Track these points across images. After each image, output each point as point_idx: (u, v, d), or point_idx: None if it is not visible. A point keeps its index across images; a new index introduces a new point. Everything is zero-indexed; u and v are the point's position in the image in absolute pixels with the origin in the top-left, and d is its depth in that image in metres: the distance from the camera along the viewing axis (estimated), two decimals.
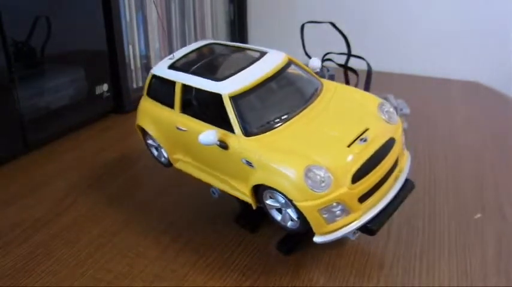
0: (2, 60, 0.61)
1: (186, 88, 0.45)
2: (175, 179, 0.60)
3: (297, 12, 1.18)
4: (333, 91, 0.45)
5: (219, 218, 0.51)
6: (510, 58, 1.03)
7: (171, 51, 0.97)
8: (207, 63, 0.47)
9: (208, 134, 0.41)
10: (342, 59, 0.57)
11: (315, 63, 0.47)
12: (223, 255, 0.45)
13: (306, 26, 0.62)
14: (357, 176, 0.38)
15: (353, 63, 0.56)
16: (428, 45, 1.09)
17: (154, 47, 0.92)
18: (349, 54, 0.57)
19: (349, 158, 0.38)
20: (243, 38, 1.21)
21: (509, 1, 1.01)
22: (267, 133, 0.41)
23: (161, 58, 0.94)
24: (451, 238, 0.48)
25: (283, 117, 0.41)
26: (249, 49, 0.48)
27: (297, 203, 0.37)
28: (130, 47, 0.86)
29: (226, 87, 0.42)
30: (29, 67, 0.66)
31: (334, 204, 0.37)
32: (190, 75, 0.45)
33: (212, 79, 0.43)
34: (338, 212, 0.38)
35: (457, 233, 0.49)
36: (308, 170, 0.37)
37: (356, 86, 0.56)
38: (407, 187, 0.42)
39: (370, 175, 0.38)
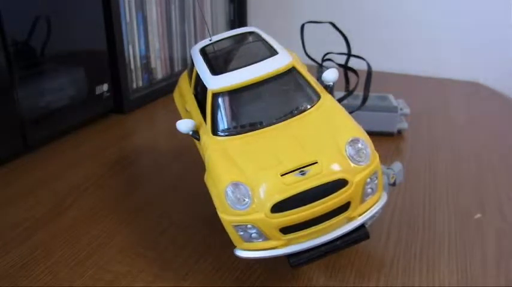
0: (2, 60, 0.61)
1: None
2: (175, 179, 0.60)
3: (297, 12, 1.18)
4: (319, 110, 0.41)
5: (219, 218, 0.50)
6: (510, 58, 1.03)
7: (171, 51, 0.97)
8: (227, 52, 0.47)
9: (186, 122, 0.41)
10: (342, 59, 0.57)
11: (329, 76, 0.43)
12: (223, 255, 0.45)
13: (306, 26, 0.62)
14: (278, 207, 0.35)
15: (353, 63, 0.56)
16: (428, 45, 1.09)
17: (154, 47, 0.92)
18: (349, 54, 0.57)
19: (277, 187, 0.35)
20: None
21: (509, 1, 1.01)
22: (227, 137, 0.40)
23: (161, 58, 0.95)
24: (451, 238, 0.48)
25: (249, 127, 0.40)
26: (270, 46, 0.45)
27: (218, 212, 0.37)
28: (130, 47, 0.86)
29: (214, 83, 0.41)
30: (29, 67, 0.66)
31: (249, 226, 0.36)
32: (204, 61, 0.45)
33: (211, 71, 0.43)
34: (254, 235, 0.36)
35: (457, 233, 0.49)
36: (232, 185, 0.36)
37: (356, 86, 0.56)
38: (359, 234, 0.38)
39: (297, 210, 0.35)
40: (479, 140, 0.72)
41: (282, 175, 0.35)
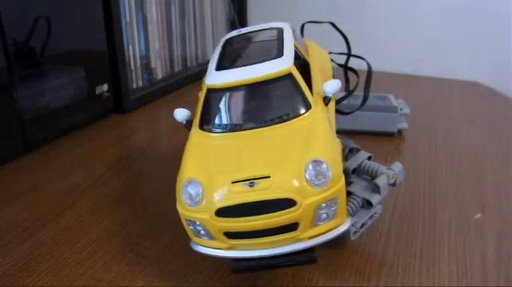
0: (2, 60, 0.61)
1: None
2: (175, 179, 0.60)
3: (297, 12, 1.18)
4: (302, 122, 0.39)
5: None
6: (510, 58, 1.03)
7: (171, 51, 0.97)
8: (242, 47, 0.47)
9: (183, 111, 0.43)
10: (342, 59, 0.57)
11: (329, 87, 0.41)
12: None
13: (306, 26, 0.62)
14: (222, 213, 0.35)
15: (353, 63, 0.56)
16: (428, 45, 1.09)
17: (154, 47, 0.92)
18: (349, 54, 0.57)
19: (224, 193, 0.35)
20: None
21: (509, 1, 1.01)
22: (209, 134, 0.40)
23: (161, 58, 0.95)
24: (451, 238, 0.48)
25: (229, 127, 0.40)
26: (281, 46, 0.44)
27: (176, 203, 0.38)
28: (130, 47, 0.86)
29: (211, 78, 0.42)
30: (29, 67, 0.66)
31: (197, 223, 0.37)
32: (218, 53, 0.46)
33: (217, 65, 0.44)
34: (202, 232, 0.37)
35: (457, 233, 0.49)
36: (189, 181, 0.37)
37: (356, 86, 0.56)
38: (305, 257, 0.37)
39: (239, 219, 0.35)
40: (479, 140, 0.72)
41: (232, 182, 0.35)
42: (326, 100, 0.41)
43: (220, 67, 0.43)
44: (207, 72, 0.44)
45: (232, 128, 0.40)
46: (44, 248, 0.47)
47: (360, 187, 0.47)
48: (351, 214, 0.45)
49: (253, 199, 0.34)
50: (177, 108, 0.44)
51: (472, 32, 1.05)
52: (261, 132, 0.39)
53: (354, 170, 0.48)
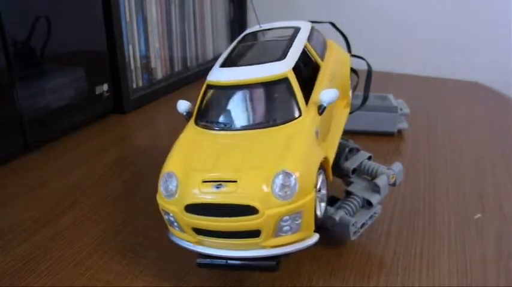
0: (2, 60, 0.61)
1: None
2: None
3: (297, 12, 1.18)
4: (287, 130, 0.39)
5: None
6: (510, 58, 1.03)
7: (171, 51, 0.97)
8: (252, 45, 0.48)
9: (185, 103, 0.44)
10: None
11: (324, 96, 0.40)
12: None
13: None
14: (190, 209, 0.36)
15: (353, 63, 0.56)
16: (428, 45, 1.09)
17: (154, 47, 0.92)
18: (349, 54, 0.57)
19: (194, 190, 0.36)
20: None
21: (509, 1, 1.01)
22: (201, 129, 0.41)
23: (161, 58, 0.95)
24: (451, 238, 0.48)
25: (219, 126, 0.40)
26: (287, 48, 0.44)
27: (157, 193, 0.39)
28: (130, 47, 0.86)
29: (212, 74, 0.43)
30: (29, 67, 0.66)
31: (171, 214, 0.38)
32: (230, 49, 0.47)
33: (223, 62, 0.44)
34: (174, 223, 0.38)
35: (457, 233, 0.49)
36: (167, 174, 0.38)
37: (356, 86, 0.56)
38: (266, 265, 0.37)
39: (204, 218, 0.36)
40: (479, 140, 0.72)
41: (203, 181, 0.36)
42: (320, 109, 0.41)
43: (225, 64, 0.44)
44: (213, 66, 0.44)
45: (223, 127, 0.40)
46: (44, 248, 0.47)
47: (360, 187, 0.47)
48: (351, 214, 0.45)
49: (216, 201, 0.35)
50: (180, 100, 0.45)
51: (472, 32, 1.05)
52: (247, 135, 0.39)
53: (354, 170, 0.48)
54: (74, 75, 0.74)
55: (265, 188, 0.35)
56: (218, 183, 0.35)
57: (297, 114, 0.39)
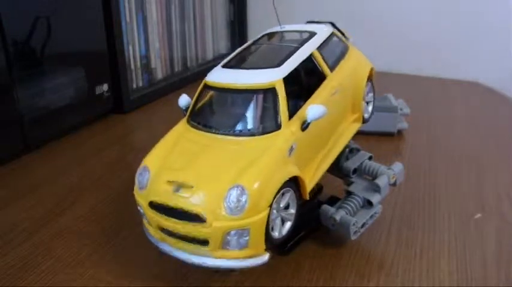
0: (2, 60, 0.61)
1: None
2: None
3: (297, 12, 1.18)
4: (259, 143, 0.38)
5: None
6: (510, 58, 1.03)
7: (171, 51, 0.97)
8: (260, 47, 0.48)
9: (187, 98, 0.45)
10: None
11: (310, 111, 0.39)
12: None
13: None
14: (152, 206, 0.38)
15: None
16: (428, 45, 1.09)
17: (154, 47, 0.92)
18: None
19: (157, 188, 0.37)
20: (243, 38, 1.21)
21: (509, 1, 1.01)
22: (190, 127, 0.42)
23: (161, 58, 0.95)
24: (451, 238, 0.48)
25: (205, 127, 0.41)
26: (289, 55, 0.43)
27: None
28: (130, 47, 0.86)
29: (211, 74, 0.43)
30: (29, 67, 0.66)
31: (141, 207, 0.39)
32: (243, 48, 0.47)
33: (227, 61, 0.44)
34: (144, 216, 0.40)
35: (457, 233, 0.49)
36: (143, 168, 0.40)
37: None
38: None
39: (162, 216, 0.37)
40: (479, 140, 0.72)
41: (168, 181, 0.37)
42: (303, 125, 0.39)
43: (226, 64, 0.44)
44: (217, 65, 0.45)
45: (207, 128, 0.41)
46: (44, 248, 0.47)
47: (360, 187, 0.47)
48: (351, 213, 0.45)
49: (170, 203, 0.36)
50: (177, 105, 0.45)
51: (472, 32, 1.05)
52: (224, 141, 0.39)
53: (355, 170, 0.48)
54: (74, 75, 0.74)
55: (218, 200, 0.35)
56: (178, 185, 0.36)
57: (274, 127, 0.39)
